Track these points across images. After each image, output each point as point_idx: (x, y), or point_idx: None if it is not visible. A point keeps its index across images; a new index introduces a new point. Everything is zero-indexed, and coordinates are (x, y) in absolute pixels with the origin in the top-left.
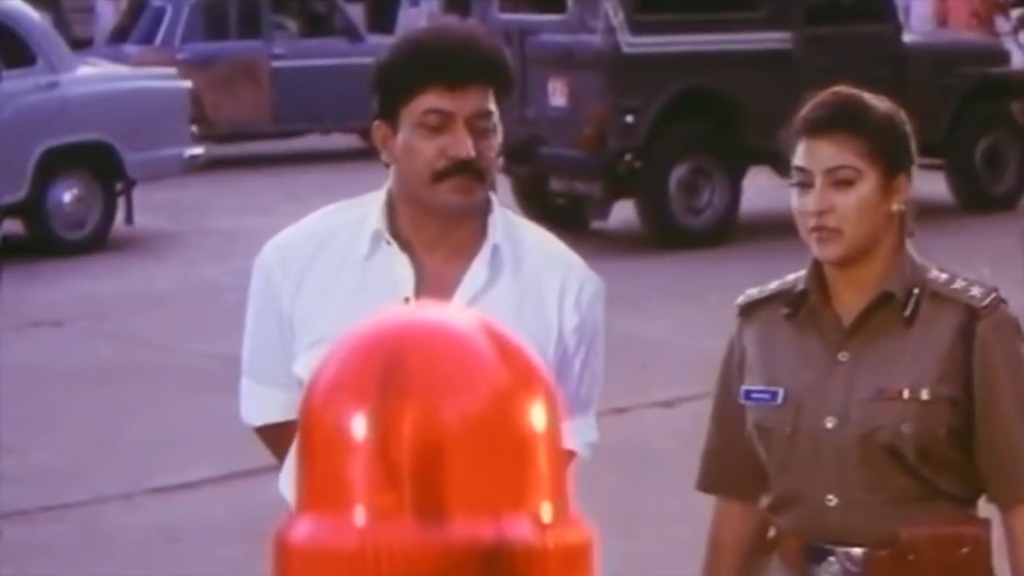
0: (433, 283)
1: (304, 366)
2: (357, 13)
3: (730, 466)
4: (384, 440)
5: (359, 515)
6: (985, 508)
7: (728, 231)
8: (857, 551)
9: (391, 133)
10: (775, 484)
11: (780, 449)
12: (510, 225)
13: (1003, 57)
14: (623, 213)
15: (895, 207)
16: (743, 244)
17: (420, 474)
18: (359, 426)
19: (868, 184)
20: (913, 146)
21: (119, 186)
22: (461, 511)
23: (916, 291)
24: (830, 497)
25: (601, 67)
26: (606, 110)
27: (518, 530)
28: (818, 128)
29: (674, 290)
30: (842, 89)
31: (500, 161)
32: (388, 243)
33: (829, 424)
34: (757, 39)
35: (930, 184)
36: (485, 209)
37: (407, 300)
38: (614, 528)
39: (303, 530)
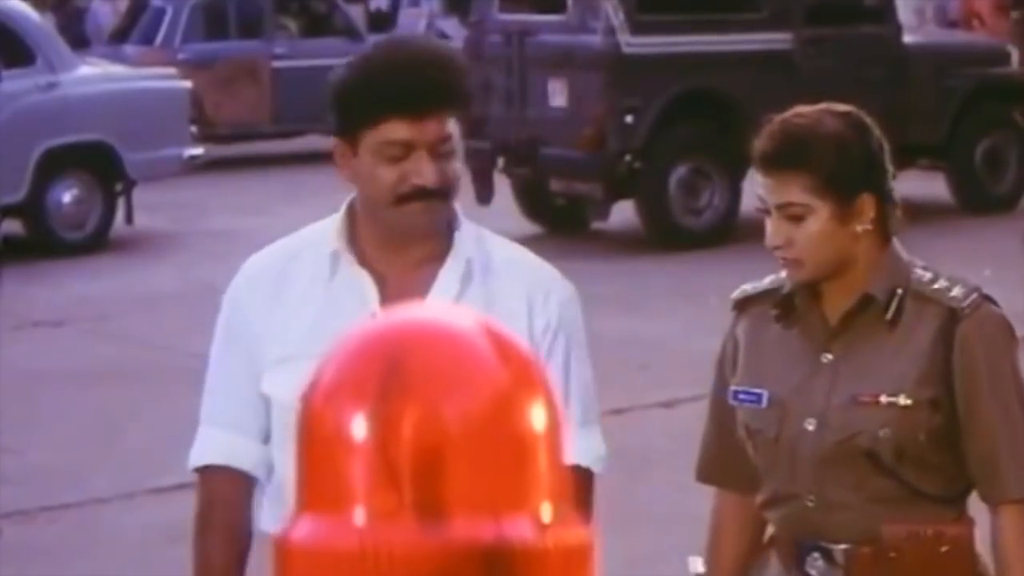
0: (398, 295)
1: (271, 383)
2: (357, 13)
3: (724, 459)
4: (384, 440)
5: (359, 515)
6: (973, 508)
7: (728, 232)
8: (840, 547)
9: (351, 153)
10: (764, 483)
11: (765, 450)
12: (481, 239)
13: (1004, 58)
14: (623, 214)
15: (859, 228)
16: (743, 245)
17: (420, 474)
18: (359, 426)
19: (821, 217)
20: (878, 161)
21: (119, 186)
22: (461, 511)
23: (899, 292)
24: (811, 498)
25: (601, 68)
26: (606, 111)
27: (518, 530)
28: (764, 164)
29: (674, 290)
30: (792, 118)
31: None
32: (348, 262)
33: (809, 427)
34: (757, 40)
35: (930, 185)
36: (452, 224)
37: (374, 315)
38: (614, 528)
39: (303, 530)
